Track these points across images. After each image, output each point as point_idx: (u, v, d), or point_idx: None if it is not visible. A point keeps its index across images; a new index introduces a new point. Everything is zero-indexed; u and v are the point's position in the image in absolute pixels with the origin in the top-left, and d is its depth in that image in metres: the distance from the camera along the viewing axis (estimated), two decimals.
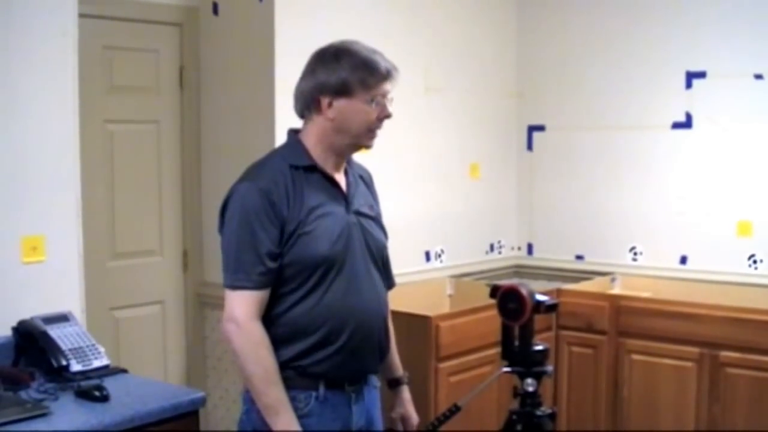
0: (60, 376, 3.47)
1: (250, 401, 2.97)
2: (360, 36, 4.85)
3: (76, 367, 3.53)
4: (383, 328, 3.14)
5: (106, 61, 4.75)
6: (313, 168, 2.97)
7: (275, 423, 2.85)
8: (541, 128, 6.48)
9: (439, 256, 5.70)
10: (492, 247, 6.40)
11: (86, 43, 4.24)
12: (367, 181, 3.23)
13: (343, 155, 3.06)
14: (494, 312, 3.12)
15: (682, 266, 5.93)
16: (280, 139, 4.65)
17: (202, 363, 5.20)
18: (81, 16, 3.99)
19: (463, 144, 6.01)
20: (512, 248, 6.59)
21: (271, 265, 2.86)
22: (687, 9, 5.81)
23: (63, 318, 3.72)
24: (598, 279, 6.06)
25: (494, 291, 3.15)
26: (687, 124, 5.85)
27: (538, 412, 3.13)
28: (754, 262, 5.65)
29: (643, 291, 5.78)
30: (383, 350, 3.17)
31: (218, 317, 5.00)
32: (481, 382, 3.25)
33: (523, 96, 6.52)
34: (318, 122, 2.97)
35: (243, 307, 2.85)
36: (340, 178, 3.08)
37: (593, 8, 6.21)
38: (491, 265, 6.29)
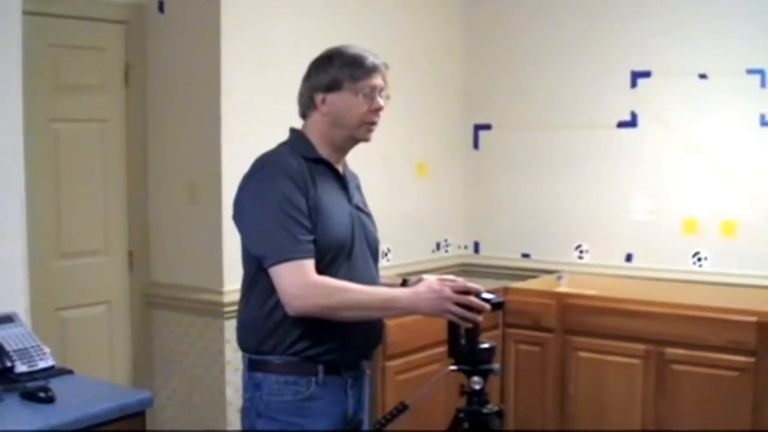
0: (5, 377, 3.41)
1: (252, 387, 3.05)
2: (306, 34, 4.92)
3: (21, 368, 3.48)
4: (381, 319, 3.23)
5: (51, 59, 4.68)
6: (320, 160, 3.09)
7: (414, 312, 3.05)
8: (487, 127, 6.50)
9: (386, 254, 5.70)
10: (439, 246, 6.41)
11: (31, 41, 4.19)
12: (357, 184, 3.34)
13: (343, 150, 3.19)
14: None
15: (627, 264, 5.98)
16: (227, 136, 4.70)
17: (149, 363, 5.16)
18: (26, 13, 3.95)
19: (410, 143, 6.02)
20: (459, 247, 6.60)
21: (312, 237, 2.94)
22: (632, 9, 5.86)
23: (7, 319, 3.67)
24: (545, 277, 6.08)
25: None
26: (632, 123, 5.90)
27: (485, 410, 3.14)
28: (699, 259, 5.70)
29: (590, 289, 5.81)
30: (379, 338, 3.26)
31: (165, 317, 5.01)
32: (428, 380, 3.25)
33: (470, 95, 6.54)
34: (316, 119, 3.11)
35: (300, 275, 2.88)
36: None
37: (540, 8, 6.24)
38: (438, 263, 6.30)
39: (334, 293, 2.91)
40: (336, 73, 3.05)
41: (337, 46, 3.15)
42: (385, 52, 3.20)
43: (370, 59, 3.08)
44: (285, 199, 2.91)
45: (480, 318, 3.01)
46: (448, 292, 2.95)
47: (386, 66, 3.14)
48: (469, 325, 3.02)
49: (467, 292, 2.99)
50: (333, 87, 3.05)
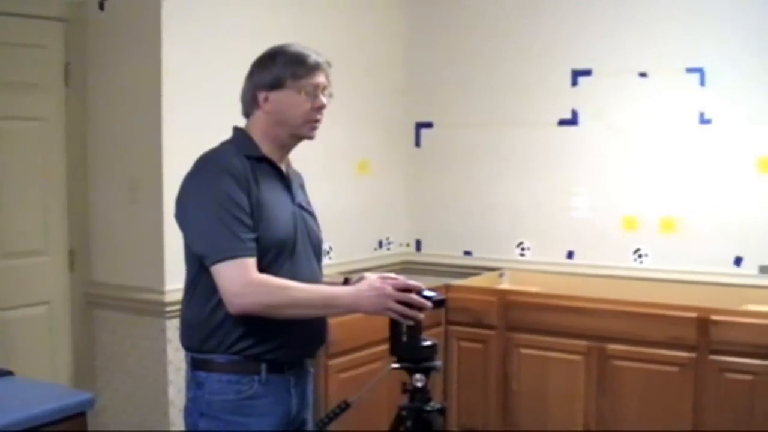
0: None
1: (195, 387, 3.03)
2: (248, 34, 4.91)
3: None
4: (324, 317, 3.22)
5: None
6: (263, 159, 3.08)
7: (356, 310, 3.03)
8: (429, 125, 6.52)
9: (328, 253, 5.70)
10: (381, 244, 6.42)
11: None
12: (301, 183, 3.34)
13: (286, 148, 3.17)
14: None
15: (569, 261, 6.02)
16: (168, 135, 4.66)
17: (91, 364, 5.12)
18: None
19: (351, 141, 6.02)
20: (401, 244, 6.61)
21: (254, 235, 2.93)
22: (573, 8, 5.91)
23: None
24: (487, 274, 6.11)
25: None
26: (573, 121, 5.94)
27: (428, 408, 3.14)
28: (639, 256, 5.76)
29: (531, 286, 5.85)
30: (322, 337, 3.26)
31: (106, 317, 4.97)
32: (371, 378, 3.25)
33: (412, 93, 6.55)
34: (259, 117, 3.10)
35: (241, 273, 2.87)
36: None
37: (481, 7, 6.27)
38: (380, 261, 6.30)
39: (275, 291, 2.90)
40: (279, 71, 3.04)
41: (280, 44, 3.14)
42: (327, 51, 3.20)
43: (313, 57, 3.08)
44: (227, 197, 2.89)
45: (421, 315, 3.01)
46: (390, 290, 2.96)
47: (329, 64, 3.14)
48: (411, 323, 3.02)
49: (408, 289, 2.99)
50: (276, 85, 3.04)
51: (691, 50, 5.53)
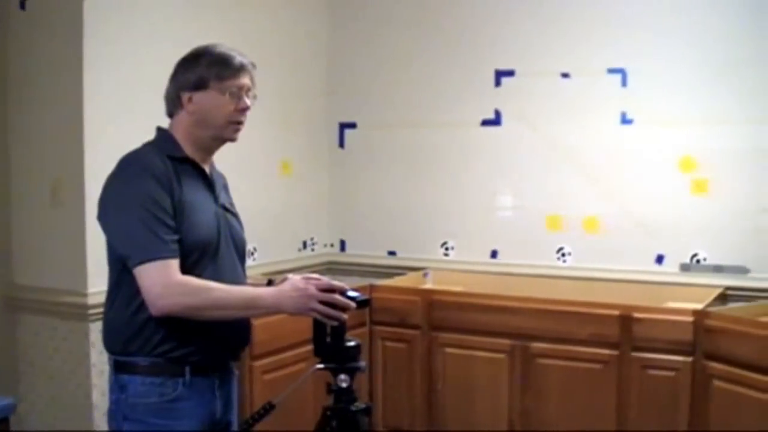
0: None
1: (118, 390, 2.99)
2: (171, 33, 4.86)
3: None
4: (247, 318, 3.20)
5: None
6: (186, 159, 3.06)
7: (279, 311, 3.03)
8: (352, 125, 6.51)
9: (252, 254, 5.67)
10: (305, 244, 6.39)
11: None
12: (224, 184, 3.32)
13: (209, 150, 3.15)
14: None
15: (493, 260, 6.05)
16: (90, 135, 4.60)
17: (14, 368, 5.02)
18: None
19: (274, 142, 5.99)
20: (325, 245, 6.60)
21: (177, 236, 2.91)
22: (496, 8, 5.93)
23: None
24: (411, 274, 6.11)
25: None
26: (496, 121, 5.97)
27: (353, 408, 3.14)
28: (563, 255, 5.80)
29: (455, 285, 5.86)
30: (246, 339, 3.24)
31: (28, 320, 4.89)
32: (296, 379, 3.23)
33: (335, 94, 6.53)
34: (182, 118, 3.07)
35: (164, 275, 2.84)
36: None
37: (404, 8, 6.27)
38: (304, 262, 6.28)
39: (197, 293, 2.88)
40: (203, 72, 3.01)
41: (205, 45, 3.12)
42: (250, 52, 3.18)
43: (238, 58, 3.06)
44: (149, 198, 2.86)
45: (345, 316, 3.02)
46: (313, 290, 2.96)
47: (254, 65, 3.12)
48: (335, 324, 3.03)
49: (332, 290, 2.99)
50: (200, 86, 3.01)
51: (613, 51, 5.59)
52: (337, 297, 2.98)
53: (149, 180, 2.88)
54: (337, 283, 3.04)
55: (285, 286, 3.00)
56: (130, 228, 2.87)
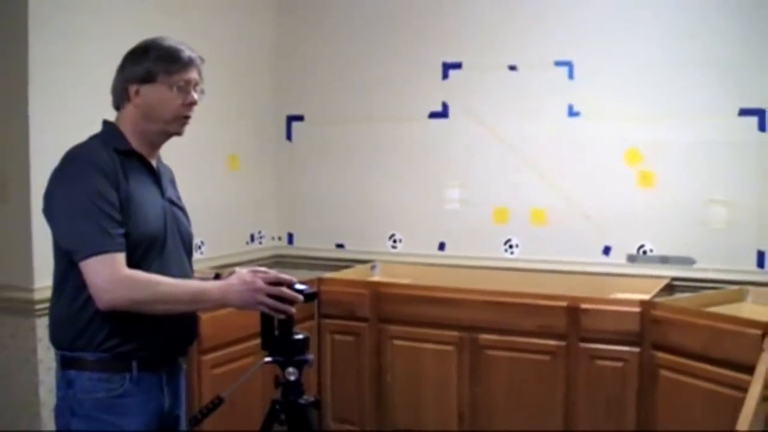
0: None
1: (65, 386, 2.97)
2: (117, 27, 4.81)
3: None
4: (194, 313, 3.21)
5: None
6: (132, 153, 3.04)
7: (225, 305, 3.01)
8: (300, 118, 6.49)
9: (200, 247, 5.63)
10: (252, 238, 6.37)
11: None
12: (171, 178, 3.31)
13: (155, 144, 3.14)
14: None
15: (440, 252, 6.06)
16: (35, 129, 4.54)
17: None
18: None
19: (221, 135, 5.95)
20: (273, 238, 6.58)
21: (123, 230, 2.89)
22: (444, 1, 5.92)
23: None
24: (359, 267, 6.11)
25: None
26: (444, 113, 5.97)
27: (301, 401, 3.18)
28: (510, 246, 5.82)
29: (403, 278, 5.87)
30: (193, 334, 3.24)
31: None
32: (244, 373, 3.23)
33: (282, 87, 6.50)
34: (129, 111, 3.06)
35: (110, 269, 2.82)
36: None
37: (352, 1, 6.26)
38: (252, 255, 6.25)
39: (143, 287, 2.87)
40: (151, 65, 3.00)
41: (153, 38, 3.10)
42: (197, 46, 3.16)
43: (186, 53, 3.05)
44: (95, 192, 2.84)
45: (293, 309, 3.03)
46: (260, 283, 2.97)
47: (202, 60, 3.12)
48: (282, 317, 3.04)
49: (279, 283, 3.01)
50: (147, 79, 3.00)
51: (560, 44, 5.61)
52: (285, 290, 3.00)
53: (95, 173, 2.87)
54: (284, 276, 3.05)
55: (232, 280, 3.00)
56: (76, 222, 2.85)
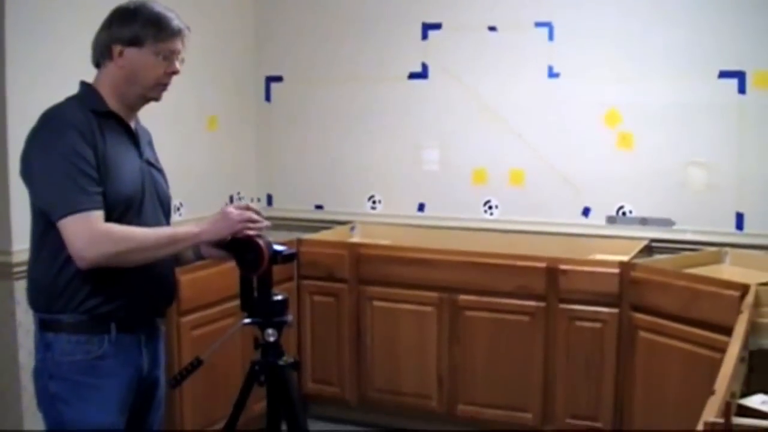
0: None
1: (44, 348, 2.98)
2: None
3: None
4: (171, 274, 3.23)
5: None
6: (109, 114, 3.03)
7: (200, 237, 3.05)
8: (278, 79, 6.45)
9: (178, 209, 5.61)
10: (231, 199, 6.34)
11: None
12: (149, 140, 3.30)
13: (133, 107, 3.14)
14: (234, 264, 3.12)
15: (420, 213, 6.05)
16: (12, 91, 4.49)
17: None
18: None
19: (200, 97, 5.90)
20: (252, 199, 6.55)
21: (101, 189, 2.89)
22: None
23: None
24: (338, 228, 6.11)
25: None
26: (423, 74, 5.95)
27: (281, 362, 3.19)
28: (490, 208, 5.82)
29: (383, 239, 5.87)
30: (171, 295, 3.26)
31: None
32: (223, 335, 3.23)
33: (261, 47, 6.46)
34: (110, 70, 3.04)
35: (87, 226, 2.83)
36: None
37: None
38: None
39: (121, 238, 2.87)
40: (139, 29, 2.99)
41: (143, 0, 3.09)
42: (176, 5, 3.14)
43: (175, 22, 3.05)
44: (72, 151, 2.84)
45: (266, 222, 3.14)
46: (230, 209, 3.08)
47: (189, 29, 3.12)
48: (259, 233, 3.11)
49: (246, 208, 3.11)
50: (134, 43, 2.99)
51: (540, 5, 5.60)
52: (251, 213, 3.10)
53: (72, 133, 2.86)
54: (252, 204, 3.18)
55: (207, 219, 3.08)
56: (53, 181, 2.85)
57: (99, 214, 2.85)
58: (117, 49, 2.99)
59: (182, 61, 3.11)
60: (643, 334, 4.75)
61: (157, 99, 3.12)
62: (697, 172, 5.30)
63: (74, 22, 4.12)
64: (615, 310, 4.89)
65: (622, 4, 5.40)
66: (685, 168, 5.32)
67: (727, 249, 5.15)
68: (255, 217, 3.10)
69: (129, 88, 3.03)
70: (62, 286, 2.92)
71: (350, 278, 5.53)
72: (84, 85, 3.08)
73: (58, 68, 4.48)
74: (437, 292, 5.29)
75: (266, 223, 3.13)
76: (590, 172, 5.57)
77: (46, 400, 2.98)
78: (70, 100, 3.03)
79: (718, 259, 5.12)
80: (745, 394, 2.76)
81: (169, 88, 3.12)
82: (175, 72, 3.07)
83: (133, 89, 3.04)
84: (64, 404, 2.93)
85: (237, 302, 3.20)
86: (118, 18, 3.03)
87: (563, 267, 5.00)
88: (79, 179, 2.82)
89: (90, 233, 2.81)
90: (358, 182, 6.24)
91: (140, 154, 3.11)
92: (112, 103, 3.03)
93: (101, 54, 3.05)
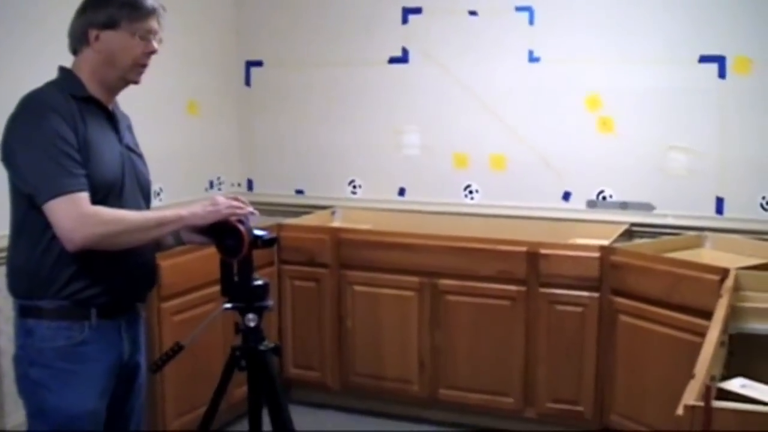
0: None
1: (24, 335, 2.97)
2: None
3: None
4: (152, 259, 3.23)
5: None
6: (89, 99, 3.02)
7: (187, 220, 3.05)
8: (259, 64, 6.43)
9: (158, 194, 5.59)
10: (212, 184, 6.33)
11: None
12: (128, 125, 3.29)
13: (113, 90, 3.12)
14: (215, 249, 3.13)
15: (400, 198, 6.05)
16: None
17: None
18: None
19: (180, 81, 5.89)
20: (232, 184, 6.54)
21: (85, 171, 2.88)
22: None
23: None
24: (319, 213, 6.10)
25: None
26: (404, 59, 5.94)
27: (262, 347, 3.20)
28: (470, 192, 5.82)
29: (363, 223, 5.87)
30: (152, 280, 3.27)
31: None
32: (204, 320, 3.23)
33: (242, 32, 6.44)
34: (88, 55, 3.03)
35: (75, 208, 2.82)
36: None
37: None
38: None
39: (109, 220, 2.86)
40: (114, 11, 2.97)
41: None
42: None
43: (149, 1, 3.04)
44: (55, 134, 2.83)
45: (250, 207, 3.16)
46: (218, 197, 3.12)
47: (164, 8, 3.11)
48: (248, 217, 3.13)
49: (235, 199, 3.14)
50: (109, 25, 2.98)
51: None
52: (240, 203, 3.13)
53: (53, 116, 2.85)
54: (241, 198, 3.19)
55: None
56: (37, 165, 2.83)
57: (86, 196, 2.84)
58: (93, 33, 2.98)
59: (160, 41, 3.10)
60: (623, 318, 4.77)
61: (136, 81, 3.10)
62: (678, 156, 5.32)
63: (52, 6, 4.07)
64: (595, 294, 4.90)
65: None
66: (666, 152, 5.34)
67: (707, 233, 5.17)
68: (242, 206, 3.12)
69: (108, 71, 3.02)
70: (43, 272, 2.91)
71: (331, 263, 5.53)
72: (63, 70, 3.07)
73: (36, 54, 4.46)
74: (418, 276, 5.30)
75: (252, 209, 3.15)
76: (571, 157, 5.58)
77: (27, 387, 2.98)
78: (49, 85, 3.02)
79: (698, 244, 5.14)
80: (725, 377, 2.77)
81: (149, 73, 3.11)
82: (153, 51, 3.06)
83: (112, 72, 3.02)
84: (45, 390, 2.92)
85: (218, 287, 3.20)
86: (92, 2, 3.02)
87: (544, 251, 5.01)
88: (63, 161, 2.81)
89: (78, 214, 2.81)
90: (338, 167, 6.24)
91: (120, 139, 3.10)
92: (92, 88, 3.02)
93: (78, 40, 3.04)
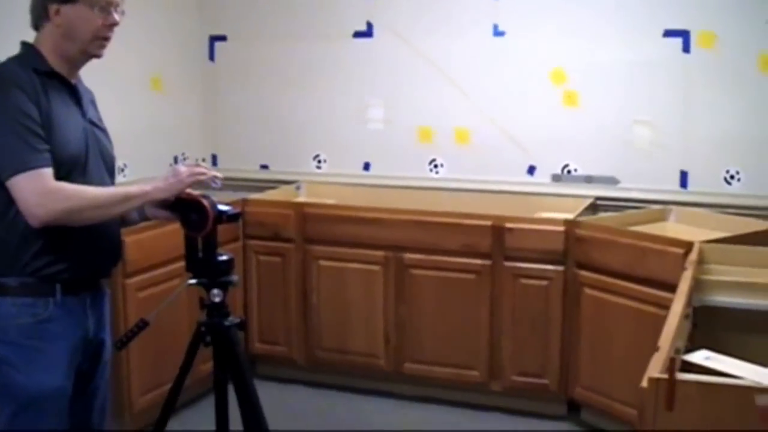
0: None
1: None
2: None
3: None
4: (117, 234, 3.23)
5: None
6: (52, 74, 3.00)
7: (151, 194, 3.04)
8: (223, 38, 6.39)
9: (122, 170, 5.56)
10: (176, 160, 6.29)
11: None
12: (92, 99, 3.27)
13: (76, 64, 3.09)
14: (179, 224, 3.12)
15: (365, 172, 6.05)
16: None
17: None
18: None
19: (144, 56, 5.84)
20: (197, 159, 6.51)
21: (49, 147, 2.86)
22: None
23: None
24: (284, 188, 6.09)
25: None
26: (368, 33, 5.93)
27: (226, 323, 3.20)
28: (435, 166, 5.82)
29: (328, 198, 5.86)
30: (117, 255, 3.26)
31: None
32: (169, 295, 3.22)
33: (204, 6, 6.39)
34: (49, 30, 3.00)
35: (39, 183, 2.81)
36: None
37: None
38: None
39: (73, 195, 2.86)
40: None
41: None
42: None
43: None
44: (18, 110, 2.81)
45: (214, 172, 3.16)
46: (180, 166, 3.10)
47: None
48: (215, 181, 3.14)
49: (196, 166, 3.15)
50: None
51: None
52: (201, 168, 3.14)
53: (16, 92, 2.83)
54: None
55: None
56: (1, 141, 2.82)
57: (50, 172, 2.83)
58: (53, 8, 2.95)
59: (122, 13, 3.07)
60: (588, 291, 4.80)
61: (98, 55, 3.07)
62: (642, 130, 5.33)
63: None
64: (560, 268, 4.92)
65: None
66: (630, 126, 5.35)
67: (672, 207, 5.20)
68: (205, 170, 3.12)
69: (69, 45, 2.99)
70: (6, 248, 2.90)
71: (296, 238, 5.52)
72: (25, 45, 3.04)
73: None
74: (383, 250, 5.30)
75: (216, 173, 3.16)
76: (536, 131, 5.58)
77: None
78: (11, 60, 2.99)
79: (662, 217, 5.17)
80: (690, 350, 2.79)
81: (113, 49, 3.08)
82: (114, 23, 3.03)
83: (74, 45, 3.00)
84: (10, 368, 2.90)
85: (183, 263, 3.19)
86: None
87: (509, 225, 5.02)
88: (27, 137, 2.80)
89: (42, 190, 2.80)
90: (303, 141, 6.22)
91: (83, 114, 3.08)
92: (54, 63, 2.99)
93: (39, 16, 3.01)
